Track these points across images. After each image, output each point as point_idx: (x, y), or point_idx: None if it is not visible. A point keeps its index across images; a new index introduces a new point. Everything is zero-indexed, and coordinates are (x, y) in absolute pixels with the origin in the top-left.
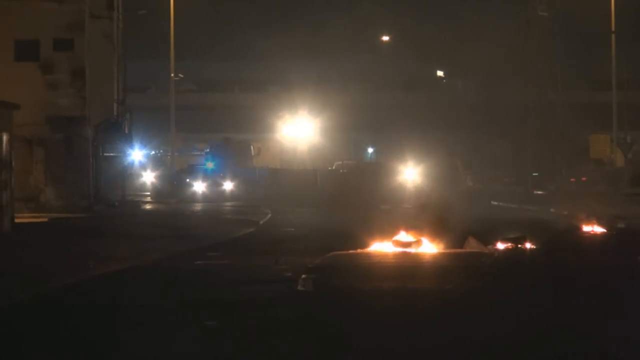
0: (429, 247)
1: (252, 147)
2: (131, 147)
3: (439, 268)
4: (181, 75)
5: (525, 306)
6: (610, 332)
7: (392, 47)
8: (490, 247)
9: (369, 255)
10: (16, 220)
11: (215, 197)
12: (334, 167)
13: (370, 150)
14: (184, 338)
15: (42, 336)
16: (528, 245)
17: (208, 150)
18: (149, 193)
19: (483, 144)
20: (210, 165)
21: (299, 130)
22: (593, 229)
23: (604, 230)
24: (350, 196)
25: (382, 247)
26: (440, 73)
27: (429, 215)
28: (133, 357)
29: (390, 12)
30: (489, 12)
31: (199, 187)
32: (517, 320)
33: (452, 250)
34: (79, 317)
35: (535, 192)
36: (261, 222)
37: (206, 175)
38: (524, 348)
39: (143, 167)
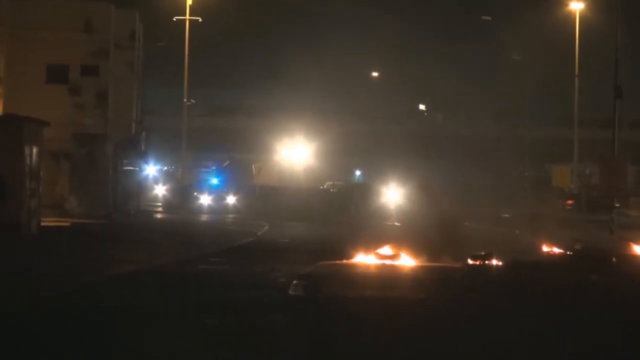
0: (407, 261)
1: (253, 167)
2: (146, 162)
3: (415, 279)
4: (193, 101)
5: (489, 314)
6: (565, 335)
7: (381, 82)
8: (461, 262)
9: (354, 266)
10: (43, 224)
11: (219, 209)
12: (325, 187)
13: (357, 172)
14: (188, 335)
15: (62, 330)
16: (494, 261)
17: (215, 167)
18: (160, 204)
19: (459, 171)
20: (214, 181)
21: (295, 152)
22: (552, 249)
23: (562, 250)
24: (339, 213)
25: (366, 259)
26: (422, 107)
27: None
28: (140, 351)
29: (380, 51)
30: (467, 54)
31: (205, 200)
32: (480, 325)
33: (428, 264)
34: (93, 314)
35: (503, 215)
36: (259, 233)
37: (212, 190)
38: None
39: (156, 181)
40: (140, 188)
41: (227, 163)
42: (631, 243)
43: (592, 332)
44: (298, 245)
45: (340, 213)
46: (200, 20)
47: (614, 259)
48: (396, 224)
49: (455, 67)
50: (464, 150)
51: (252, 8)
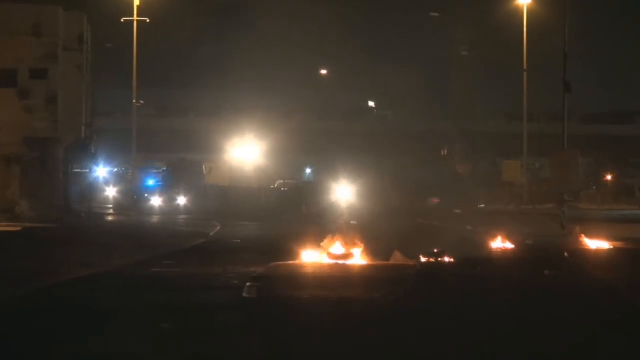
0: (359, 260)
1: (204, 167)
2: (97, 165)
3: (368, 278)
4: (142, 102)
5: (443, 310)
6: (514, 326)
7: (330, 80)
8: (414, 260)
9: (306, 266)
10: None
11: (170, 210)
12: (276, 186)
13: (308, 171)
14: (142, 337)
15: (15, 333)
16: (447, 259)
17: (165, 169)
18: (112, 206)
19: (410, 167)
20: (151, 182)
21: (246, 152)
22: (504, 244)
23: (513, 246)
24: (290, 212)
25: (318, 259)
26: (371, 104)
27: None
28: (93, 353)
29: (329, 49)
30: (417, 51)
31: (156, 201)
32: (434, 321)
33: (380, 263)
34: (46, 316)
35: (455, 211)
36: (211, 234)
37: (162, 191)
38: (440, 341)
39: (107, 182)
40: (92, 190)
41: (177, 163)
42: (582, 237)
43: (546, 326)
44: (250, 245)
45: (292, 212)
46: (148, 20)
47: (565, 254)
48: (352, 222)
49: (405, 64)
50: (415, 147)
51: (199, 7)
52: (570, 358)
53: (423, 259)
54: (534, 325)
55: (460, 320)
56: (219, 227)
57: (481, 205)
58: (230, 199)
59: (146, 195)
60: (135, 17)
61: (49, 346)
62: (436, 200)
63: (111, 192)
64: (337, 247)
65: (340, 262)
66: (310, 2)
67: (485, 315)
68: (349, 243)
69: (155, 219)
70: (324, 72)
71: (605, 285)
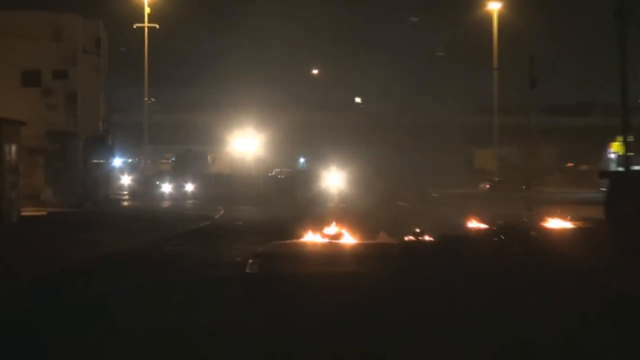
0: (349, 239)
1: (208, 157)
2: (113, 155)
3: (357, 256)
4: (153, 99)
5: (424, 282)
6: (489, 299)
7: (321, 78)
8: (397, 238)
9: (302, 245)
10: (22, 214)
11: (178, 196)
12: (273, 174)
13: (302, 160)
14: (157, 309)
15: (46, 307)
16: (427, 237)
17: (173, 159)
18: (126, 192)
19: (393, 156)
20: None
21: (246, 143)
22: (478, 224)
23: (486, 225)
24: (286, 197)
25: (312, 238)
26: (358, 99)
27: (350, 212)
28: (114, 324)
29: (321, 48)
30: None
31: (166, 188)
32: (417, 292)
33: (368, 242)
34: (69, 293)
35: (432, 195)
36: (216, 217)
37: (172, 179)
38: (419, 306)
39: (122, 171)
40: (108, 179)
41: (185, 154)
42: (546, 217)
43: (515, 295)
44: (251, 227)
45: (287, 197)
46: (157, 27)
47: (532, 232)
48: (342, 206)
49: (391, 63)
50: (398, 137)
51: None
52: (540, 317)
53: (405, 238)
54: (502, 289)
55: (438, 288)
56: (222, 211)
57: (456, 191)
58: (232, 185)
59: (157, 182)
60: (146, 24)
61: (75, 312)
62: (487, 186)
63: (126, 180)
64: (329, 227)
65: (332, 241)
66: (304, 8)
67: (460, 283)
68: (339, 224)
69: (165, 204)
70: (315, 71)
71: (565, 258)
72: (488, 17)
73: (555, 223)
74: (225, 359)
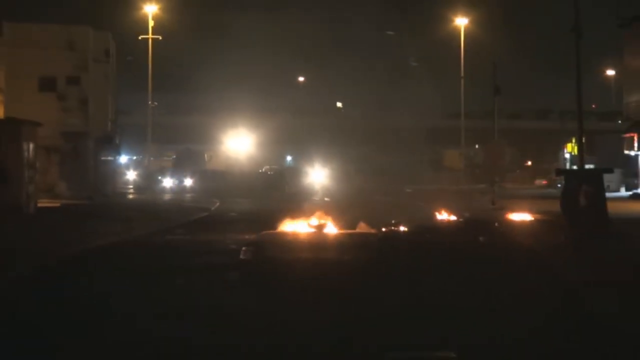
0: (332, 229)
1: (205, 155)
2: (119, 153)
3: (340, 244)
4: (156, 103)
5: (400, 267)
6: (460, 283)
7: (306, 84)
8: (375, 229)
9: (290, 234)
10: (38, 205)
11: (178, 190)
12: (263, 170)
13: (289, 158)
14: (162, 289)
15: (60, 289)
16: (402, 228)
17: (174, 156)
18: (131, 186)
19: (371, 155)
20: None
21: (239, 143)
22: (447, 217)
23: (455, 217)
24: (275, 191)
25: (300, 228)
26: (339, 104)
27: (333, 205)
28: (123, 305)
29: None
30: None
31: (168, 182)
32: (393, 275)
33: (349, 231)
34: (81, 276)
35: (406, 190)
36: (212, 209)
37: (172, 174)
38: (396, 287)
39: (127, 167)
40: (115, 174)
41: (184, 152)
42: (508, 210)
43: (481, 281)
44: (244, 217)
45: (276, 191)
46: (160, 38)
47: (495, 224)
48: (325, 199)
49: (367, 71)
50: (375, 139)
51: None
52: (502, 293)
53: (383, 228)
54: (467, 276)
55: (412, 273)
56: (218, 203)
57: (427, 186)
58: (226, 181)
59: (159, 177)
60: (150, 35)
61: (80, 298)
62: (545, 182)
63: (131, 175)
64: (314, 218)
65: (317, 230)
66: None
67: (429, 266)
68: (324, 215)
69: (166, 197)
70: (301, 78)
71: (525, 247)
72: (456, 31)
73: (516, 215)
74: (223, 334)
